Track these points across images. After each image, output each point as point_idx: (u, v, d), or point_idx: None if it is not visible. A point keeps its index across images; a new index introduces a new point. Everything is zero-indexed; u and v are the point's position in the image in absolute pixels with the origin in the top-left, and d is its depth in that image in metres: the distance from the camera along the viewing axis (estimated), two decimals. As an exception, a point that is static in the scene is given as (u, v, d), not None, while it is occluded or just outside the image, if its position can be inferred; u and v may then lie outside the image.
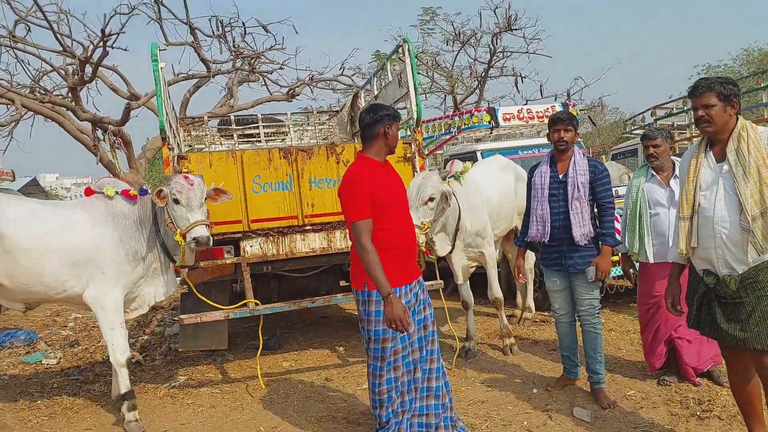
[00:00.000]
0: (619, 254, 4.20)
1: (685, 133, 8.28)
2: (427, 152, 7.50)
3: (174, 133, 5.14)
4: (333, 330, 6.41)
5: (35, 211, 3.91)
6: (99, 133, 8.61)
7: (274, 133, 7.94)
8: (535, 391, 4.06)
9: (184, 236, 3.84)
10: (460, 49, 15.56)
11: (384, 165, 3.06)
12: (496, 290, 5.07)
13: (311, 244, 4.76)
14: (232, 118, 8.08)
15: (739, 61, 23.15)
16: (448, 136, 7.81)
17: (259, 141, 7.78)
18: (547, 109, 7.53)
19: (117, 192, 4.07)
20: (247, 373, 5.01)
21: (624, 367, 4.41)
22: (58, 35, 7.97)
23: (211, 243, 3.91)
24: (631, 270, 4.10)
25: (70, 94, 8.60)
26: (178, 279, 4.67)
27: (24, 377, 5.28)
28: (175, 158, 4.51)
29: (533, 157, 7.12)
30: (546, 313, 5.91)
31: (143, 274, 4.11)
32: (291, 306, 4.54)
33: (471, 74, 16.26)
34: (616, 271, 5.25)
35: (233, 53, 9.61)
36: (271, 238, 4.69)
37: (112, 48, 7.71)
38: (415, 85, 4.82)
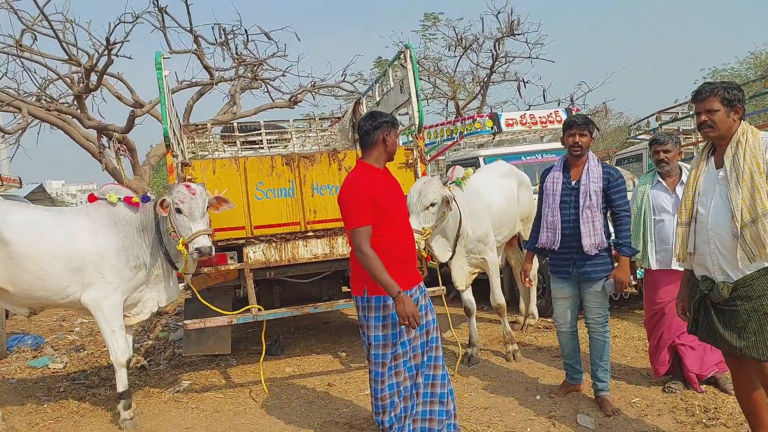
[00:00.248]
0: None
1: (691, 137, 8.26)
2: (429, 158, 7.53)
3: (178, 140, 5.19)
4: (335, 336, 6.43)
5: (39, 217, 3.96)
6: (104, 140, 8.68)
7: (276, 139, 7.98)
8: (538, 397, 4.05)
9: (186, 246, 3.87)
10: (462, 55, 15.60)
11: (383, 172, 3.08)
12: (498, 296, 5.07)
13: (314, 250, 4.79)
14: (235, 125, 8.13)
15: (746, 64, 23.00)
16: (450, 142, 7.84)
17: (262, 148, 7.83)
18: (550, 114, 7.56)
19: (119, 198, 4.12)
20: (251, 378, 5.03)
21: (629, 374, 4.39)
22: (64, 44, 8.06)
23: (213, 252, 3.94)
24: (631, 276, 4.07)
25: (75, 102, 8.68)
26: (182, 285, 4.71)
27: (31, 381, 5.32)
28: (179, 165, 4.56)
29: (536, 163, 7.14)
30: (549, 320, 5.90)
31: (145, 280, 4.15)
32: (293, 311, 4.56)
33: (473, 80, 16.29)
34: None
35: (236, 60, 9.68)
36: (273, 244, 4.72)
37: (117, 56, 7.81)
38: (416, 91, 4.86)
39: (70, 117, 8.71)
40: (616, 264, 3.71)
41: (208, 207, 4.02)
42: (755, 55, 23.30)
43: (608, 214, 3.75)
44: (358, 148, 6.57)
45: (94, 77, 8.21)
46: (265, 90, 10.56)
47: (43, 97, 8.98)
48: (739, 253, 2.52)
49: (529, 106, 15.53)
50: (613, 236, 3.76)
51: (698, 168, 2.73)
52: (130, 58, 8.60)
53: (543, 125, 7.54)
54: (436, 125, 8.30)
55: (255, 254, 4.68)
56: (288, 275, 5.12)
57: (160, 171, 17.47)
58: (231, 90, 10.28)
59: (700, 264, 2.71)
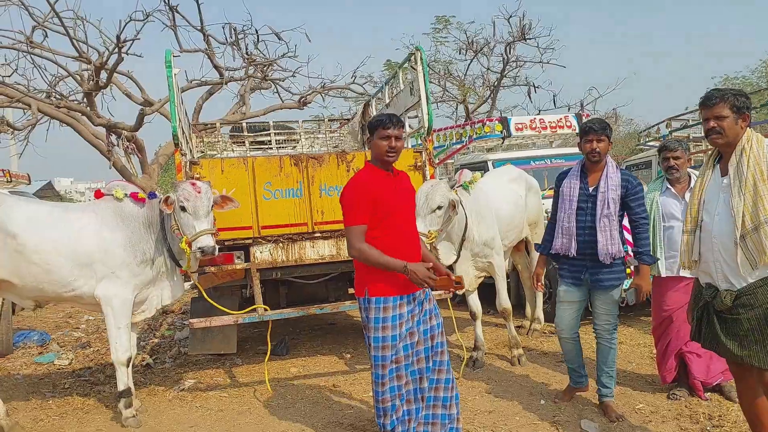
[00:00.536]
0: (631, 267, 4.16)
1: (701, 145, 8.21)
2: (437, 161, 7.52)
3: (186, 139, 5.21)
4: (341, 337, 6.42)
5: (46, 212, 3.99)
6: (113, 138, 8.71)
7: (285, 140, 7.99)
8: (542, 402, 4.04)
9: (189, 244, 3.87)
10: (473, 58, 15.60)
11: (388, 174, 3.06)
12: (504, 300, 5.05)
13: (320, 251, 4.79)
14: (244, 125, 8.15)
15: (758, 73, 22.91)
16: (459, 146, 7.82)
17: (271, 148, 7.85)
18: (560, 119, 7.53)
19: (126, 194, 4.13)
20: (255, 377, 5.03)
21: (633, 380, 4.37)
22: (74, 41, 8.10)
23: (216, 252, 3.92)
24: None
25: (85, 100, 8.72)
26: (189, 283, 4.72)
27: (36, 377, 5.34)
28: (187, 164, 4.57)
29: (545, 168, 7.12)
30: (554, 325, 5.87)
31: (153, 276, 4.16)
32: (299, 312, 4.56)
33: (483, 83, 16.28)
34: (627, 283, 5.17)
35: (246, 60, 9.70)
36: (280, 244, 4.73)
37: (127, 54, 7.83)
38: (426, 93, 4.85)
39: (80, 114, 8.75)
40: (627, 271, 3.67)
41: (213, 206, 4.01)
42: (767, 64, 23.17)
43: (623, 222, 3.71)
44: (366, 149, 6.60)
45: (104, 75, 8.24)
46: (275, 91, 10.58)
47: (53, 94, 9.02)
48: (740, 259, 2.52)
49: (539, 110, 15.50)
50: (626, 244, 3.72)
51: (704, 176, 2.73)
52: (140, 56, 8.64)
53: (552, 130, 7.50)
54: (446, 128, 8.29)
55: (262, 254, 4.69)
56: (294, 276, 5.12)
57: (168, 170, 17.54)
58: (240, 90, 10.30)
59: (705, 271, 2.71)
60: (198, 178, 4.34)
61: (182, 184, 3.98)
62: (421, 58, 4.88)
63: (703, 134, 9.20)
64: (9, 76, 8.68)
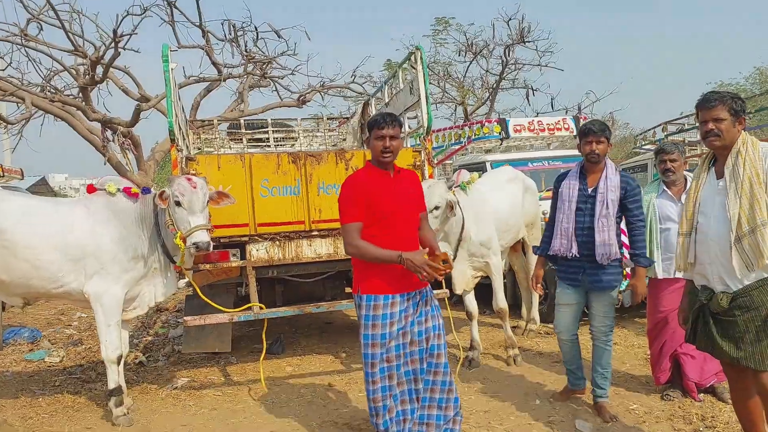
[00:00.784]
0: (628, 269, 4.15)
1: (696, 149, 8.24)
2: (436, 161, 7.50)
3: (183, 136, 5.17)
4: (337, 336, 6.39)
5: (35, 206, 3.94)
6: (108, 133, 8.64)
7: (283, 138, 7.96)
8: (537, 402, 4.03)
9: (184, 240, 3.83)
10: (472, 60, 15.63)
11: (385, 173, 3.04)
12: (501, 301, 5.04)
13: (317, 249, 4.76)
14: (242, 122, 8.11)
15: (751, 79, 23.09)
16: (458, 146, 7.82)
17: (269, 146, 7.81)
18: (558, 121, 7.54)
19: (119, 189, 4.09)
20: (250, 376, 4.99)
21: (627, 381, 4.37)
22: (70, 35, 8.02)
23: (210, 248, 3.89)
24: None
25: (80, 94, 8.65)
26: (184, 281, 4.67)
27: (26, 374, 5.29)
28: (183, 160, 4.53)
29: (543, 169, 7.11)
30: (550, 326, 5.86)
31: (144, 272, 4.11)
32: (295, 311, 4.52)
33: (482, 85, 16.32)
34: (623, 285, 5.17)
35: (245, 57, 9.65)
36: (277, 242, 4.69)
37: (124, 49, 7.76)
38: (426, 93, 4.83)
39: (75, 109, 8.66)
40: (624, 273, 3.67)
41: (208, 201, 3.98)
42: (761, 71, 23.36)
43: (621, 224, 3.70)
44: (365, 148, 6.57)
45: (99, 70, 8.17)
46: (274, 89, 10.53)
47: (48, 88, 8.94)
48: (736, 262, 2.52)
49: (537, 113, 15.55)
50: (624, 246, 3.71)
51: (699, 178, 2.73)
52: (137, 51, 8.56)
53: (551, 132, 7.51)
54: (444, 129, 8.28)
55: (258, 252, 4.65)
56: (291, 274, 5.08)
57: (165, 167, 17.45)
58: (239, 87, 10.24)
59: (701, 274, 2.72)
60: (194, 174, 4.30)
61: (177, 178, 3.94)
62: (421, 58, 4.85)
63: (698, 138, 9.25)
64: (3, 70, 8.60)
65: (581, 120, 7.70)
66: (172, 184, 3.90)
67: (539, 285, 4.05)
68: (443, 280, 4.87)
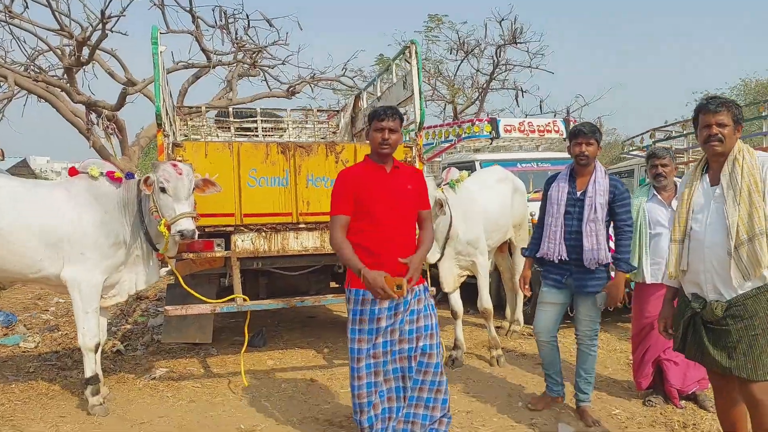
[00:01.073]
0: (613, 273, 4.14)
1: (683, 157, 8.31)
2: (426, 159, 7.46)
3: (170, 121, 5.06)
4: (320, 330, 6.33)
5: (13, 188, 3.80)
6: (93, 116, 8.48)
7: (272, 128, 7.85)
8: (520, 404, 4.01)
9: (168, 227, 3.74)
10: (464, 59, 15.60)
11: (380, 167, 3.01)
12: (486, 300, 5.01)
13: (304, 242, 4.69)
14: (231, 110, 7.98)
15: (737, 90, 23.41)
16: (447, 144, 7.79)
17: (257, 135, 7.70)
18: (549, 123, 7.54)
19: (102, 173, 3.97)
20: (230, 369, 4.91)
21: (610, 385, 4.38)
22: (57, 13, 7.84)
23: (196, 236, 3.81)
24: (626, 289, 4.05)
25: (65, 75, 8.47)
26: (166, 269, 4.58)
27: (0, 360, 5.15)
28: (170, 146, 4.43)
29: (531, 171, 7.11)
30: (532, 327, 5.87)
31: (124, 259, 4.01)
32: (280, 304, 4.46)
33: (472, 85, 16.30)
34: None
35: (235, 45, 9.52)
36: (263, 233, 4.61)
37: (112, 31, 7.62)
38: (420, 88, 4.77)
39: (59, 90, 8.49)
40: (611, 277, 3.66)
41: (194, 189, 3.89)
42: (745, 83, 23.72)
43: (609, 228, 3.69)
44: (356, 141, 6.50)
45: (86, 51, 8.00)
46: (263, 78, 10.42)
47: (32, 67, 8.74)
48: (733, 271, 2.50)
49: (526, 115, 15.59)
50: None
51: (692, 185, 2.70)
52: (125, 34, 8.44)
53: (541, 134, 7.51)
54: (434, 126, 8.24)
55: (243, 243, 4.57)
56: (276, 266, 5.01)
57: (149, 153, 17.21)
58: (228, 75, 10.12)
59: (693, 281, 2.67)
60: (180, 161, 4.20)
61: (163, 164, 3.84)
62: (416, 53, 4.80)
63: (685, 146, 9.29)
64: (-15, 47, 8.39)
65: (571, 123, 7.70)
66: (158, 170, 3.80)
67: (527, 286, 4.01)
68: (428, 279, 4.86)
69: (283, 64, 10.23)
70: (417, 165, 4.86)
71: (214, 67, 9.39)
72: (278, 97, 10.46)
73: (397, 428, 3.01)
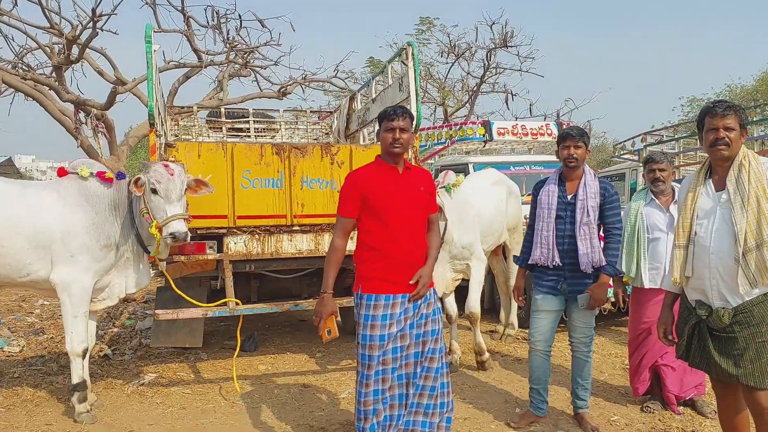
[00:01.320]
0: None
1: (674, 161, 8.36)
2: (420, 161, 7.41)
3: (162, 121, 4.96)
4: (311, 335, 6.24)
5: (0, 189, 3.69)
6: (81, 116, 8.34)
7: (264, 129, 7.77)
8: (517, 410, 3.96)
9: (160, 229, 3.65)
10: (455, 62, 15.63)
11: (392, 168, 2.94)
12: (474, 304, 4.88)
13: (298, 245, 4.62)
14: (222, 110, 7.88)
15: (723, 96, 23.70)
16: (440, 146, 7.76)
17: (249, 136, 7.61)
18: (542, 126, 7.53)
19: (92, 173, 3.87)
20: (221, 374, 4.82)
21: (606, 391, 4.35)
22: (47, 11, 7.71)
23: (188, 239, 3.72)
24: (622, 294, 4.01)
25: (53, 74, 8.32)
26: (154, 271, 4.48)
27: (-17, 364, 5.03)
28: (162, 146, 4.34)
29: (524, 174, 7.10)
30: (528, 331, 5.83)
31: (115, 262, 3.91)
32: (274, 308, 4.38)
33: (463, 88, 16.33)
34: (608, 292, 5.09)
35: (227, 45, 9.43)
36: (256, 236, 4.53)
37: (102, 30, 7.49)
38: (416, 90, 4.72)
39: (47, 89, 8.34)
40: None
41: (186, 189, 3.80)
42: (731, 88, 24.05)
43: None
44: (349, 143, 6.44)
45: (75, 50, 7.87)
46: (254, 79, 10.33)
47: (20, 65, 8.58)
48: (740, 278, 2.45)
49: (516, 118, 15.64)
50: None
51: (696, 190, 2.65)
52: (115, 33, 8.29)
53: (534, 137, 7.51)
54: (426, 129, 8.21)
55: (236, 245, 4.48)
56: (268, 269, 4.92)
57: (136, 153, 17.02)
58: (219, 75, 10.02)
59: (697, 288, 2.62)
60: (172, 161, 4.11)
61: (154, 164, 3.74)
62: (413, 54, 4.74)
63: (675, 150, 9.35)
64: (-28, 44, 8.23)
65: (563, 126, 7.71)
66: (148, 171, 3.70)
67: (521, 297, 3.91)
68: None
69: (275, 64, 10.16)
70: (413, 167, 4.80)
71: (205, 67, 9.30)
72: (269, 98, 10.38)
73: (397, 436, 2.95)
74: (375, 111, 5.95)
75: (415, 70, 4.73)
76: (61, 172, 3.97)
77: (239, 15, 9.37)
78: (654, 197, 3.86)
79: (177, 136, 7.22)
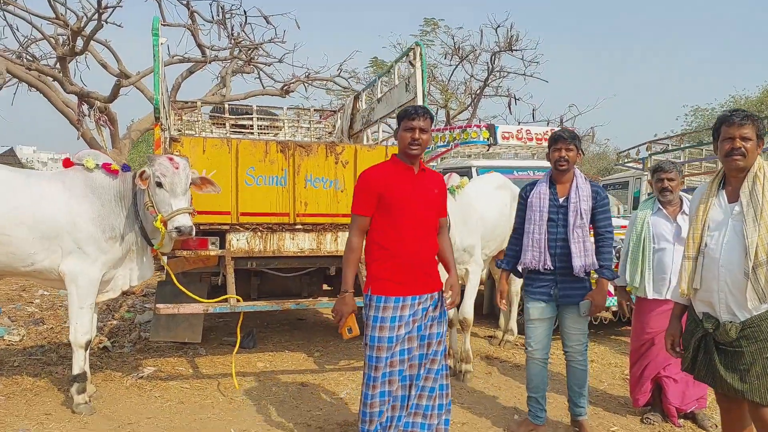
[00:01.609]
0: (614, 286, 4.09)
1: (682, 170, 8.35)
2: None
3: (166, 115, 4.96)
4: (310, 333, 6.24)
5: (5, 178, 3.69)
6: (84, 107, 8.33)
7: (268, 126, 7.76)
8: (516, 417, 3.95)
9: (165, 223, 3.65)
10: (458, 64, 15.60)
11: (408, 168, 2.92)
12: (467, 310, 4.81)
13: (300, 244, 4.61)
14: (226, 106, 7.87)
15: (726, 106, 23.72)
16: (443, 149, 7.74)
17: (252, 133, 7.60)
18: (546, 132, 7.51)
19: (97, 165, 3.86)
20: (220, 370, 4.81)
21: (606, 400, 4.33)
22: (52, 1, 7.69)
23: (193, 233, 3.72)
24: (626, 303, 4.00)
25: (58, 65, 8.31)
26: (155, 265, 4.47)
27: (-19, 353, 5.01)
28: (167, 140, 4.33)
29: (527, 179, 7.08)
30: (526, 345, 5.81)
31: (122, 255, 3.91)
32: (274, 306, 4.37)
33: (465, 90, 16.30)
34: (611, 301, 5.07)
35: (232, 41, 9.41)
36: (259, 233, 4.53)
37: (107, 22, 7.48)
38: (424, 91, 4.72)
39: (51, 80, 8.32)
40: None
41: (191, 184, 3.80)
42: (735, 99, 24.03)
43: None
44: (353, 142, 6.43)
45: (80, 41, 7.86)
46: (257, 76, 10.31)
47: (24, 55, 8.56)
48: (749, 292, 2.41)
49: (518, 122, 15.63)
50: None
51: (708, 200, 2.59)
52: (120, 26, 8.26)
53: (538, 142, 7.48)
54: (432, 131, 8.20)
55: (238, 242, 4.48)
56: (270, 267, 4.91)
57: (138, 146, 17.00)
58: (222, 71, 10.00)
59: (705, 301, 2.58)
60: (177, 155, 4.10)
61: (159, 158, 3.74)
62: (421, 55, 4.74)
63: (681, 160, 9.31)
64: (-23, 33, 8.20)
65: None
66: (154, 164, 3.70)
67: (503, 301, 3.84)
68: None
69: (279, 62, 10.13)
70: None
71: (209, 62, 9.28)
72: (272, 95, 10.36)
73: (396, 438, 2.95)
74: (380, 111, 5.96)
75: (423, 70, 4.73)
76: (67, 163, 3.96)
77: (244, 11, 9.36)
78: (661, 207, 3.81)
79: (180, 131, 7.22)
